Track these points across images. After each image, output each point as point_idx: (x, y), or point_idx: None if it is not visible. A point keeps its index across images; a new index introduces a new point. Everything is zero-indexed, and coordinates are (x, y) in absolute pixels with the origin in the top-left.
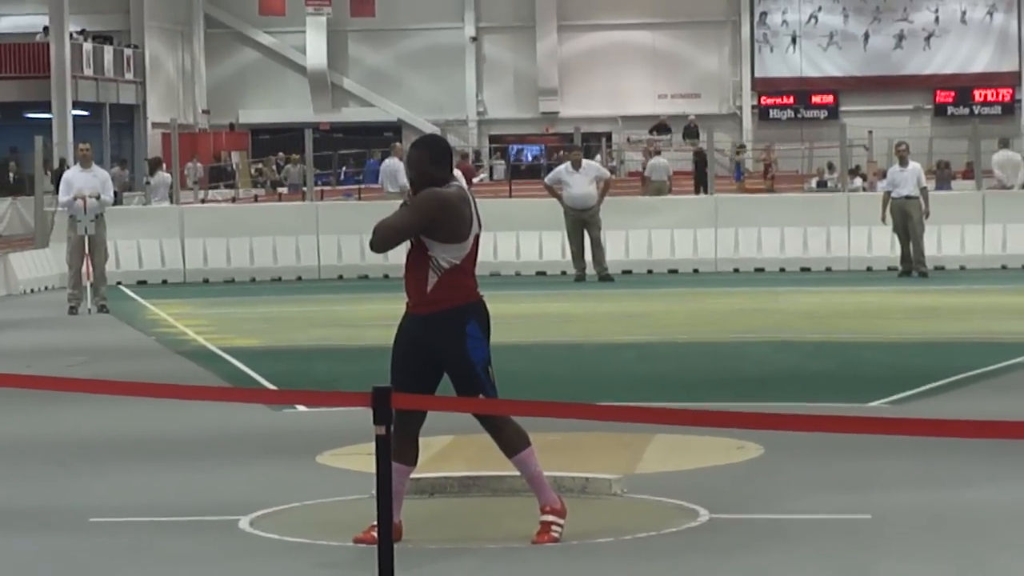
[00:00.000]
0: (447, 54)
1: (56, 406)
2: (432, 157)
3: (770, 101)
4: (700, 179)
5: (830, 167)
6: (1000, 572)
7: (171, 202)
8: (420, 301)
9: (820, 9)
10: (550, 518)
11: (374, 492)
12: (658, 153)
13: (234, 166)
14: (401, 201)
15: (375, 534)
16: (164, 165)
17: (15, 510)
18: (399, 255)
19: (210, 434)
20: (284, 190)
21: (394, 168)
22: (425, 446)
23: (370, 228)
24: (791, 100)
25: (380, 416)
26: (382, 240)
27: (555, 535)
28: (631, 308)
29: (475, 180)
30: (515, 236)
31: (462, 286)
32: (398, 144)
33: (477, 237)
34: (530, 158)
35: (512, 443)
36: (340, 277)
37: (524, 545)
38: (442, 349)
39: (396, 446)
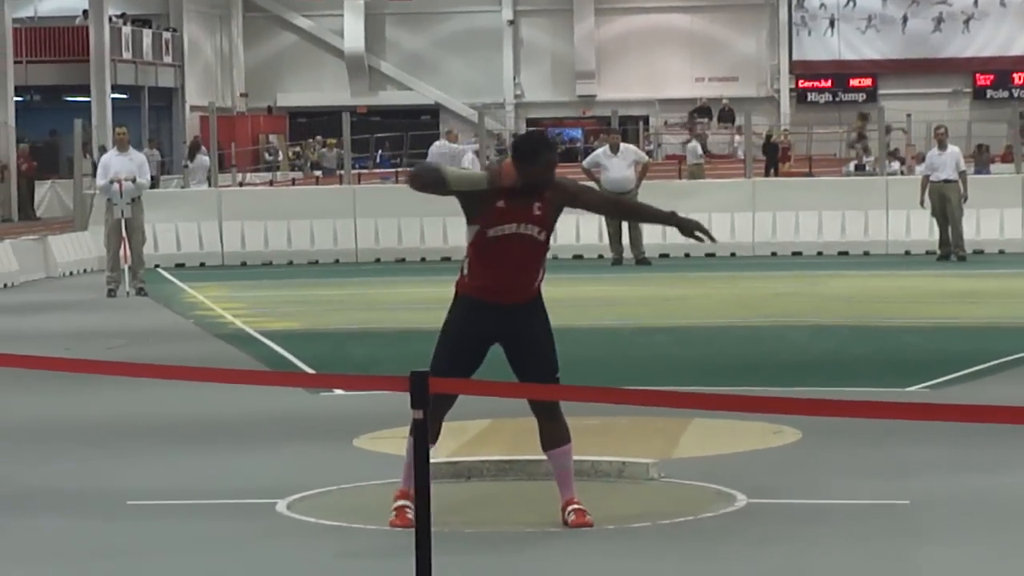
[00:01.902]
0: (484, 37)
1: (94, 389)
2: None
3: (808, 84)
4: (770, 163)
5: (866, 149)
6: None
7: (209, 185)
8: (527, 291)
9: None
10: (582, 505)
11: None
12: (698, 136)
13: (276, 150)
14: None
15: (408, 515)
16: (203, 148)
17: (53, 492)
18: (436, 238)
19: (247, 417)
20: (320, 173)
21: (440, 150)
22: (461, 430)
23: (408, 212)
24: (829, 83)
25: (417, 400)
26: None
27: (591, 519)
28: (668, 292)
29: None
30: None
31: None
32: (453, 130)
33: None
34: (567, 141)
35: (561, 435)
36: (377, 260)
37: (561, 529)
38: (533, 332)
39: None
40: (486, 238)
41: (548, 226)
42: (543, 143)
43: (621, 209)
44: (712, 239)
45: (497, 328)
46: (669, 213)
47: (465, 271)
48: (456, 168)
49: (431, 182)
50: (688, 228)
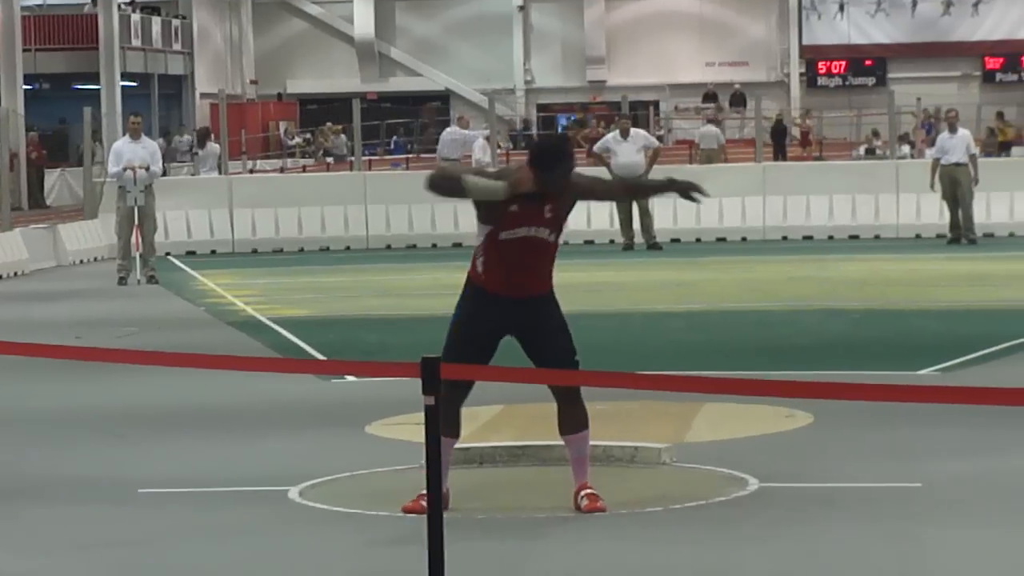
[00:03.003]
0: (494, 23)
1: (106, 377)
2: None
3: (818, 69)
4: (779, 148)
5: (875, 134)
6: None
7: (219, 173)
8: (539, 287)
9: None
10: (595, 490)
11: (423, 462)
12: (711, 121)
13: (289, 137)
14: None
15: (424, 503)
16: (213, 136)
17: (65, 480)
18: (447, 224)
19: (259, 404)
20: (331, 160)
21: (452, 136)
22: (474, 416)
23: (419, 198)
24: (839, 67)
25: (429, 386)
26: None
27: (603, 505)
28: (680, 277)
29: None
30: None
31: None
32: (464, 117)
33: None
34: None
35: (580, 420)
36: (388, 247)
37: (573, 514)
38: (548, 323)
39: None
40: (498, 240)
41: (559, 227)
42: (563, 151)
43: (626, 191)
44: (705, 194)
45: (509, 321)
46: (667, 180)
47: (479, 266)
48: (475, 177)
49: (449, 190)
50: (684, 189)
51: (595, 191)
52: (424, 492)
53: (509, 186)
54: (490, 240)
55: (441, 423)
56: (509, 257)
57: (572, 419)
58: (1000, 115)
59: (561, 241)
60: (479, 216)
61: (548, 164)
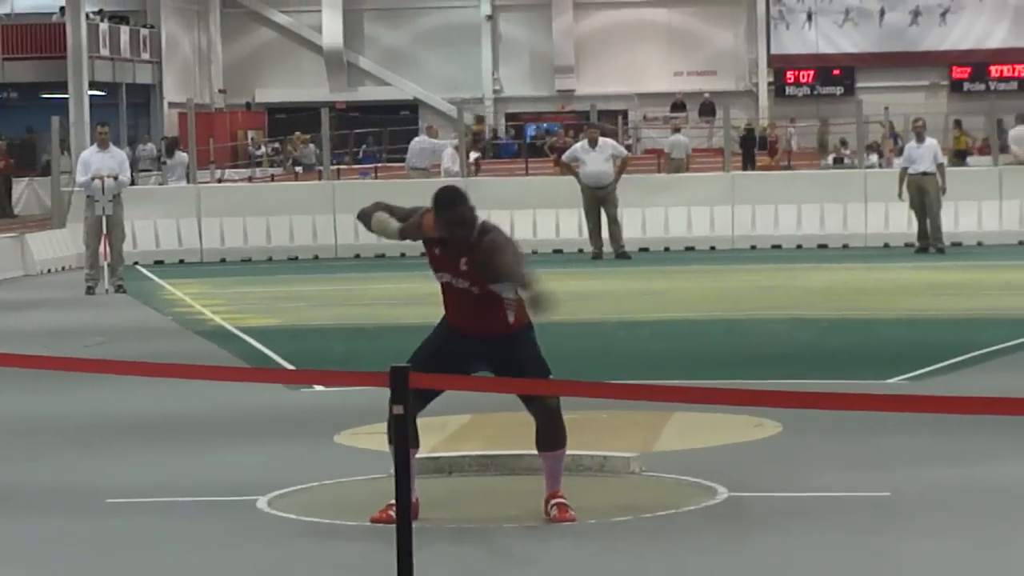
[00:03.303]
0: (463, 32)
1: (74, 386)
2: (469, 204)
3: (786, 78)
4: (748, 157)
5: (843, 143)
6: (1020, 549)
7: (188, 182)
8: (500, 327)
9: None
10: (565, 500)
11: (392, 471)
12: (677, 131)
13: (255, 146)
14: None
15: (392, 513)
16: (181, 145)
17: (33, 490)
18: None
19: (227, 414)
20: (299, 169)
21: (421, 145)
22: (443, 425)
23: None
24: (807, 77)
25: (398, 395)
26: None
27: (573, 515)
28: (648, 286)
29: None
30: (532, 214)
31: (523, 303)
32: (433, 126)
33: None
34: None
35: (559, 438)
36: (357, 256)
37: (542, 524)
38: (513, 358)
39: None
40: (436, 277)
41: (478, 282)
42: (446, 199)
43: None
44: (547, 314)
45: (471, 351)
46: (527, 282)
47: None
48: (382, 214)
49: (365, 224)
50: (532, 303)
51: (489, 263)
52: (392, 502)
53: (405, 228)
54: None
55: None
56: (448, 297)
57: (551, 437)
58: (958, 123)
59: (508, 295)
60: None
61: (437, 211)
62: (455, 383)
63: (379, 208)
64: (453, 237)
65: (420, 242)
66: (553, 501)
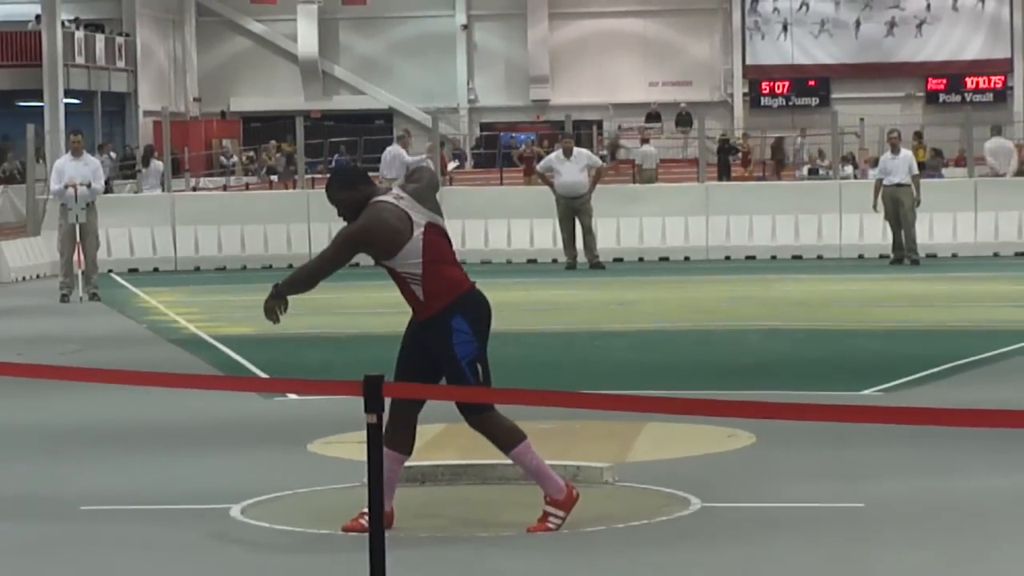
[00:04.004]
0: (438, 42)
1: (48, 394)
2: (342, 185)
3: (762, 89)
4: (723, 168)
5: (820, 154)
6: (994, 561)
7: (163, 190)
8: (419, 309)
9: None
10: (550, 509)
11: (365, 480)
12: (646, 141)
13: (227, 156)
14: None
15: (364, 522)
16: (156, 153)
17: (5, 497)
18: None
19: (201, 422)
20: (275, 178)
21: (393, 154)
22: (417, 434)
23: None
24: (783, 88)
25: (371, 404)
26: (303, 284)
27: (551, 526)
28: (622, 296)
29: (451, 167)
30: (506, 224)
31: (450, 279)
32: (406, 134)
33: (437, 226)
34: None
35: (506, 440)
36: None
37: (515, 534)
38: (432, 347)
39: (392, 434)
40: None
41: (381, 262)
42: (330, 181)
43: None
44: (273, 320)
45: (418, 338)
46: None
47: None
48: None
49: (307, 280)
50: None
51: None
52: (364, 510)
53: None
54: None
55: (390, 437)
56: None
57: (501, 442)
58: (918, 135)
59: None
60: (386, 256)
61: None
62: (428, 392)
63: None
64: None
65: None
66: (543, 507)
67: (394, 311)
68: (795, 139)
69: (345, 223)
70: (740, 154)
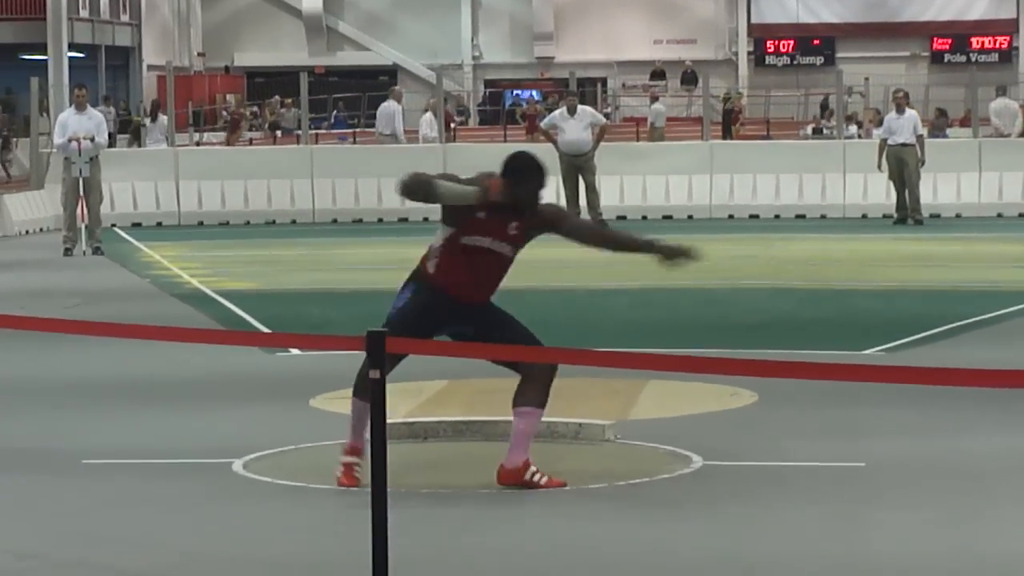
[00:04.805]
0: None
1: (51, 348)
2: None
3: (766, 47)
4: (727, 128)
5: (824, 107)
6: (994, 520)
7: (168, 145)
8: (484, 297)
9: None
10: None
11: (368, 436)
12: (656, 99)
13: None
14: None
15: (356, 474)
16: (162, 108)
17: (8, 451)
18: (393, 199)
19: (204, 377)
20: (278, 133)
21: (390, 111)
22: (418, 390)
23: (365, 172)
24: (787, 46)
25: (374, 360)
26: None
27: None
28: (624, 254)
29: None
30: None
31: None
32: (396, 88)
33: None
34: (524, 104)
35: (535, 398)
36: (334, 221)
37: (517, 491)
38: (497, 317)
39: (363, 383)
40: (459, 243)
41: (521, 245)
42: (535, 167)
43: (605, 241)
44: (695, 258)
45: (451, 319)
46: (647, 242)
47: (430, 267)
48: (448, 181)
49: (424, 196)
50: (670, 255)
51: (563, 226)
52: (346, 461)
53: (481, 191)
54: (450, 243)
55: (362, 386)
56: (465, 262)
57: (530, 395)
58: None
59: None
60: (444, 218)
61: (519, 177)
62: (435, 348)
63: (432, 177)
64: (521, 203)
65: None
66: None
67: (393, 267)
68: (799, 98)
69: (513, 205)
70: (733, 112)
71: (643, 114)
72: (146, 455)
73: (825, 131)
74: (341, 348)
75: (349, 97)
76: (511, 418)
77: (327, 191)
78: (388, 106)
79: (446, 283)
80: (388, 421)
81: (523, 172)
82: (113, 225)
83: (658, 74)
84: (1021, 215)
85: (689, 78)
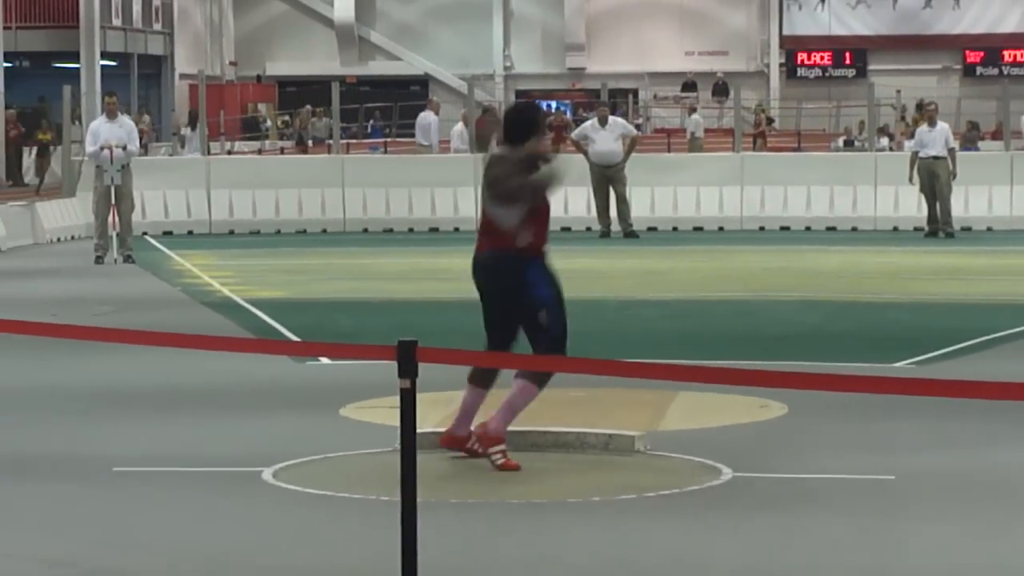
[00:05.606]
0: (474, 8)
1: (81, 355)
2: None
3: (798, 59)
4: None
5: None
6: (1023, 535)
7: (203, 154)
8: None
9: None
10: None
11: (397, 445)
12: (694, 111)
13: (265, 120)
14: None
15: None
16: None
17: (40, 457)
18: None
19: (234, 385)
20: (310, 143)
21: (427, 122)
22: (450, 400)
23: (396, 182)
24: (819, 59)
25: (405, 369)
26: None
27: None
28: (656, 265)
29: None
30: None
31: None
32: (433, 99)
33: None
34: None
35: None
36: (365, 230)
37: (546, 500)
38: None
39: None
40: (535, 208)
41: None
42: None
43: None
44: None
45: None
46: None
47: (520, 240)
48: (548, 171)
49: (543, 196)
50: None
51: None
52: (495, 450)
53: (556, 164)
54: (528, 214)
55: (480, 375)
56: (541, 220)
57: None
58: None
59: None
60: (525, 201)
61: (544, 125)
62: (466, 359)
63: (538, 181)
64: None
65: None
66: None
67: (424, 277)
68: (831, 110)
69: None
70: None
71: (674, 125)
72: (176, 463)
73: (856, 143)
74: (371, 357)
75: (381, 107)
76: (540, 428)
77: (358, 201)
78: (425, 116)
79: (539, 244)
80: (419, 431)
81: (544, 123)
82: (144, 233)
83: (689, 85)
84: None
85: (720, 90)
